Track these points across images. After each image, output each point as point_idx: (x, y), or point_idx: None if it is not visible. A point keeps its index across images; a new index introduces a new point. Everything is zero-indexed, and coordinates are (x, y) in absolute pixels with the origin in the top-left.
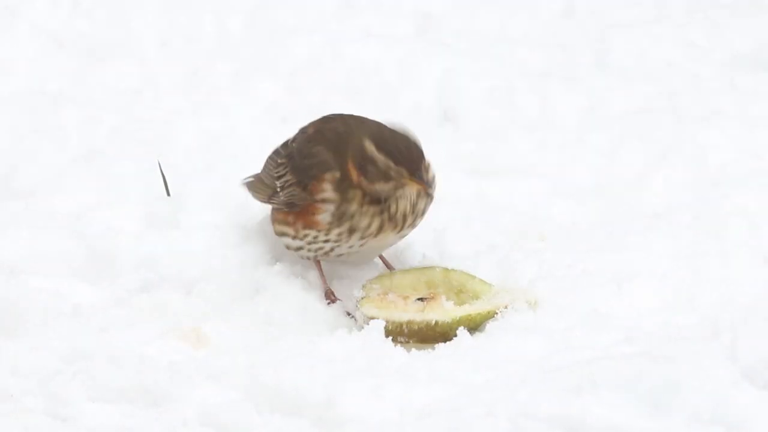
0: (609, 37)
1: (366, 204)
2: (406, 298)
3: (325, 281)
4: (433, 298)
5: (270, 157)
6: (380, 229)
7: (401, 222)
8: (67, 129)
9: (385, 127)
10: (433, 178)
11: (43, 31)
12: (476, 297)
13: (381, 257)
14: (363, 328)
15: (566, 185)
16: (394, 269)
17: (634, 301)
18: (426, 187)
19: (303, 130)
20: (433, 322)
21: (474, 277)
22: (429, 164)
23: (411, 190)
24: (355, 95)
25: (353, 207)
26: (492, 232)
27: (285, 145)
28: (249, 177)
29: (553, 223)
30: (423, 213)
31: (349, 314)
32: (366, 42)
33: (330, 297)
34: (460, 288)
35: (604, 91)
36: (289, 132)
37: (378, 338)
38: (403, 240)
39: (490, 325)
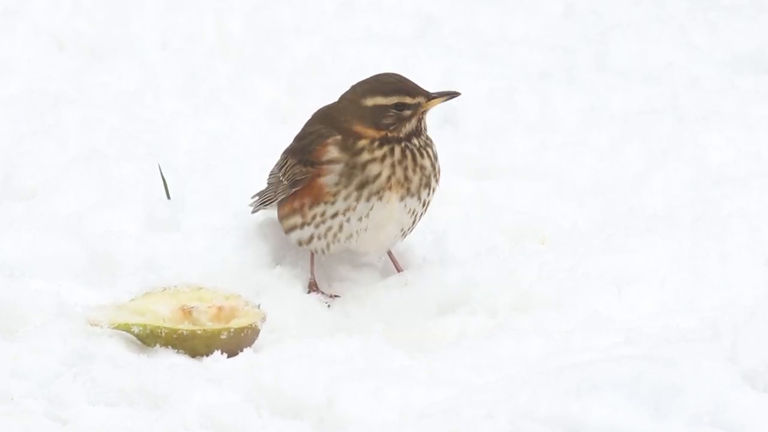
0: (609, 37)
1: (376, 149)
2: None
3: (313, 272)
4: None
5: (270, 173)
6: (390, 178)
7: (411, 168)
8: (67, 129)
9: (361, 83)
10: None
11: (43, 31)
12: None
13: (390, 256)
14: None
15: (566, 186)
16: (402, 270)
17: (635, 303)
18: (451, 94)
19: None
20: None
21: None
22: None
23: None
24: None
25: (364, 156)
26: (492, 234)
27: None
28: (254, 197)
29: (553, 225)
30: (428, 185)
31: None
32: (366, 42)
33: (312, 288)
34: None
35: (604, 92)
36: (289, 132)
37: (378, 340)
38: (404, 242)
39: (490, 327)
